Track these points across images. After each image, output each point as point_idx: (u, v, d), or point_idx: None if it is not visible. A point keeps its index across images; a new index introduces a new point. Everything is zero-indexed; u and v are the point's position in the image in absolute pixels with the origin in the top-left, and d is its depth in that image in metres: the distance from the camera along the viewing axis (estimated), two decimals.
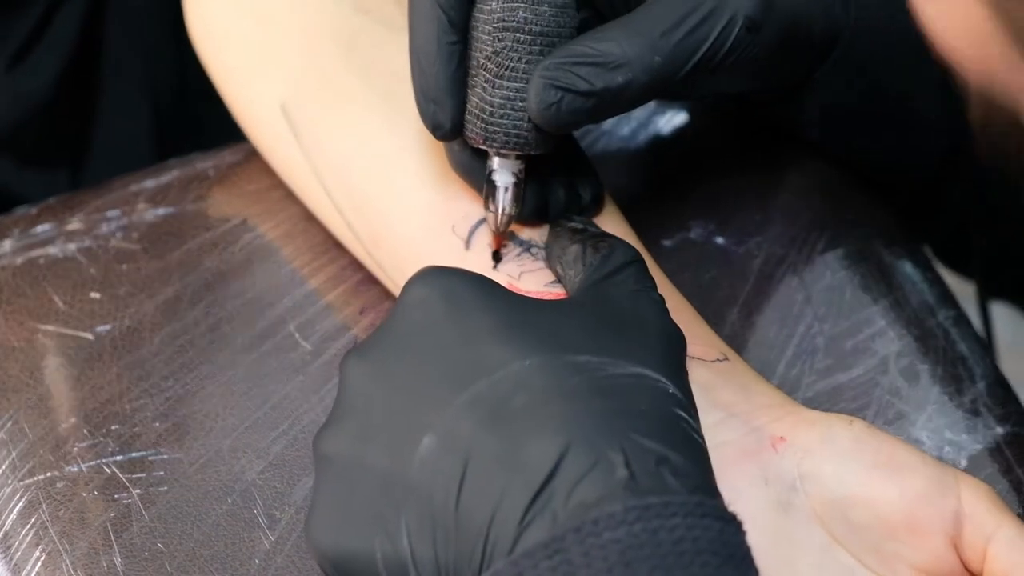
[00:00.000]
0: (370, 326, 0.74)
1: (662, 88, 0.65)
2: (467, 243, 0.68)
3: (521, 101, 0.64)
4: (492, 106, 0.65)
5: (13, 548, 0.67)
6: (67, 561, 0.66)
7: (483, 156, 0.67)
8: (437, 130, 0.66)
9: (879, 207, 0.82)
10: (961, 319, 0.77)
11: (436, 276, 0.59)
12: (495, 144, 0.65)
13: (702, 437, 0.57)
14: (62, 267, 0.76)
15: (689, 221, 0.79)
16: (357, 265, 0.75)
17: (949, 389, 0.74)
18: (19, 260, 0.76)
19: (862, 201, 0.81)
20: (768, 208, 0.80)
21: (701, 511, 0.52)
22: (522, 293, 0.65)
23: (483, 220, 0.68)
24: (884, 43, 0.75)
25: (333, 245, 0.76)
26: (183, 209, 0.79)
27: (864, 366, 0.75)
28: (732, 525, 0.53)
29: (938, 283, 0.79)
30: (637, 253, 0.63)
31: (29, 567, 0.66)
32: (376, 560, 0.56)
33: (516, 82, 0.64)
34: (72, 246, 0.77)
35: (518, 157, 0.66)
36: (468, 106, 0.65)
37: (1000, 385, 0.75)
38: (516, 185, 0.66)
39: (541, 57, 0.64)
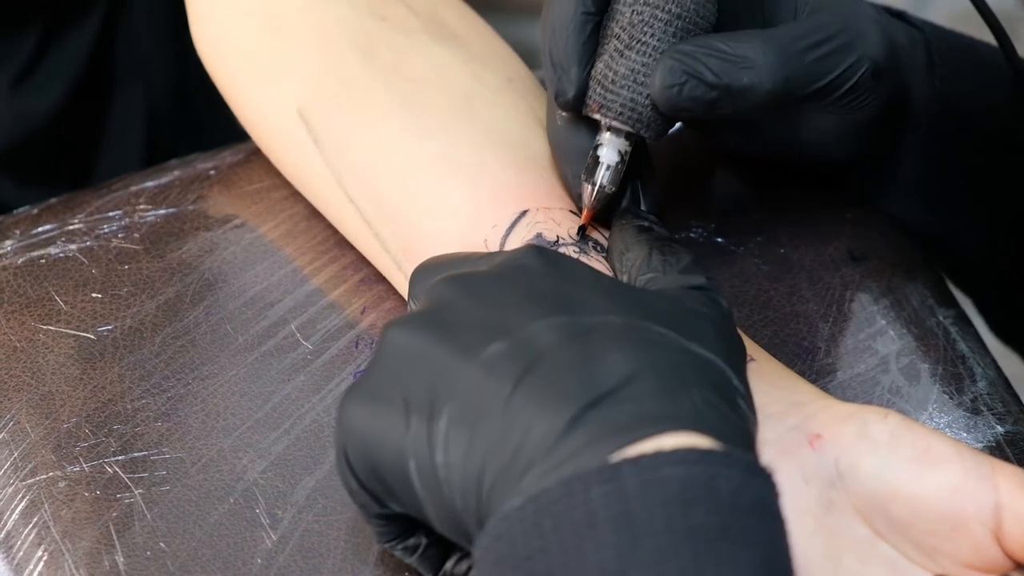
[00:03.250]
0: (371, 326, 0.74)
1: (782, 102, 0.68)
2: None
3: (644, 76, 0.66)
4: (615, 74, 0.66)
5: (15, 548, 0.67)
6: (69, 561, 0.66)
7: (583, 136, 0.68)
8: (560, 97, 0.67)
9: (878, 208, 0.82)
10: (961, 318, 0.77)
11: (541, 247, 0.62)
12: (609, 113, 0.67)
13: (755, 431, 0.58)
14: (63, 267, 0.76)
15: (689, 221, 0.79)
16: (358, 265, 0.75)
17: (949, 388, 0.74)
18: (20, 260, 0.76)
19: (862, 202, 0.82)
20: (767, 208, 0.80)
21: (755, 470, 0.53)
22: None
23: (513, 225, 0.69)
24: (962, 125, 0.77)
25: (334, 244, 0.76)
26: (184, 209, 0.79)
27: (865, 365, 0.75)
28: (775, 490, 0.53)
29: (938, 283, 0.79)
30: (700, 263, 0.64)
31: (31, 567, 0.66)
32: (403, 438, 0.56)
33: (644, 56, 0.66)
34: (73, 246, 0.77)
35: (627, 137, 0.68)
36: (592, 73, 0.67)
37: (1000, 384, 0.75)
38: (619, 165, 0.68)
39: (673, 39, 0.66)
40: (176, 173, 0.80)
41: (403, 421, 0.56)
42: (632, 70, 0.66)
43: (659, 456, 0.52)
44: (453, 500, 0.56)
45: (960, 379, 0.75)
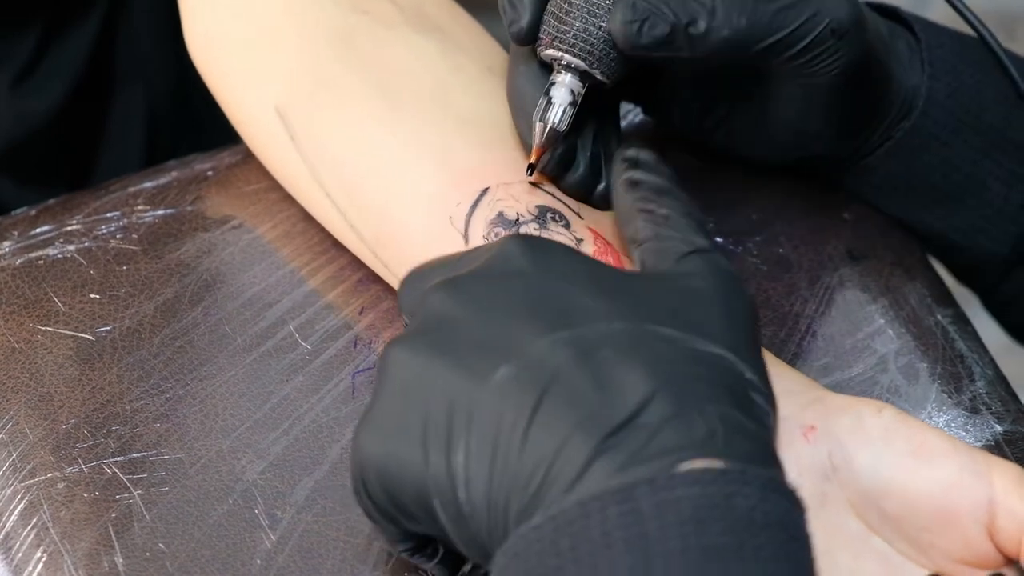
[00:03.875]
0: (369, 326, 0.74)
1: (738, 52, 0.68)
2: (465, 236, 0.69)
3: (599, 8, 0.67)
4: (571, 5, 0.67)
5: (14, 549, 0.67)
6: (68, 562, 0.66)
7: (539, 81, 0.69)
8: (512, 26, 0.68)
9: (876, 208, 0.82)
10: (960, 317, 0.77)
11: (527, 238, 0.61)
12: (562, 46, 0.67)
13: (774, 426, 0.57)
14: (62, 268, 0.76)
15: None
16: (356, 265, 0.76)
17: (948, 387, 0.74)
18: (19, 261, 0.76)
19: (859, 202, 0.82)
20: (766, 208, 0.80)
21: (773, 486, 0.52)
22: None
23: (477, 201, 0.69)
24: (954, 119, 0.77)
25: (332, 245, 0.76)
26: (182, 210, 0.79)
27: (864, 364, 0.75)
28: (799, 507, 0.53)
29: (937, 282, 0.79)
30: (700, 217, 0.63)
31: (30, 568, 0.66)
32: (424, 472, 0.56)
33: None
34: (71, 247, 0.77)
35: (582, 79, 0.68)
36: (548, 7, 0.67)
37: (999, 383, 0.75)
38: (571, 105, 0.68)
39: None
40: (174, 174, 0.80)
41: (421, 455, 0.56)
42: (587, 1, 0.67)
43: (674, 477, 0.51)
44: (480, 532, 0.55)
45: (959, 378, 0.75)
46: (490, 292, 0.58)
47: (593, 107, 0.70)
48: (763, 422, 0.56)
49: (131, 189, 0.79)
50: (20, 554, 0.67)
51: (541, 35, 0.68)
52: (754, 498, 0.52)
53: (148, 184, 0.79)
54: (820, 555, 0.59)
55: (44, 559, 0.67)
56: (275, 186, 0.79)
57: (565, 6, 0.67)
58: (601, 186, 0.70)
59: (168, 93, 1.12)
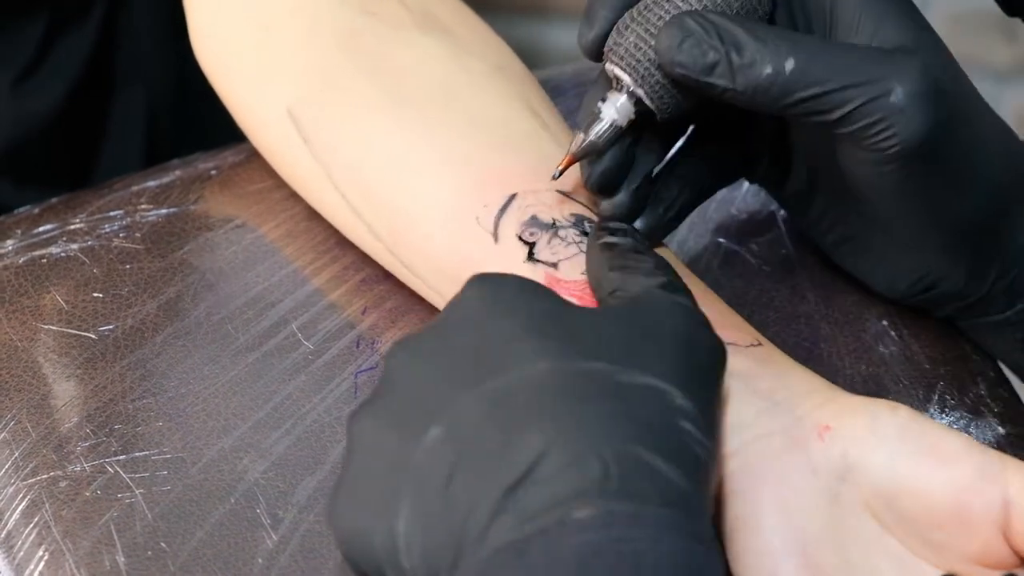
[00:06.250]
0: (372, 326, 0.74)
1: (776, 95, 0.64)
2: (495, 236, 0.68)
3: (654, 28, 0.65)
4: (632, 20, 0.66)
5: (16, 548, 0.67)
6: (70, 561, 0.66)
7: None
8: (580, 38, 0.67)
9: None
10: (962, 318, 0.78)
11: (486, 280, 0.60)
12: (614, 57, 0.66)
13: (708, 454, 0.56)
14: (65, 267, 0.76)
15: (691, 221, 0.79)
16: (359, 265, 0.76)
17: (951, 389, 0.74)
18: (21, 260, 0.76)
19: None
20: (768, 209, 0.80)
21: (671, 525, 0.52)
22: (564, 292, 0.66)
23: (506, 205, 0.69)
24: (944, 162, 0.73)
25: (335, 244, 0.76)
26: (185, 209, 0.79)
27: (866, 365, 0.75)
28: (703, 546, 0.53)
29: None
30: (671, 267, 0.64)
31: (32, 567, 0.66)
32: (374, 544, 0.56)
33: (669, 12, 0.65)
34: (74, 246, 0.77)
35: (636, 105, 0.66)
36: (619, 21, 0.66)
37: (1001, 385, 0.75)
38: (615, 124, 0.67)
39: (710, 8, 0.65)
40: (177, 173, 0.80)
41: (376, 524, 0.57)
42: (649, 21, 0.65)
43: (565, 526, 0.52)
44: None
45: (961, 380, 0.75)
46: (434, 347, 0.59)
47: (653, 149, 0.69)
48: (688, 453, 0.55)
49: (134, 188, 0.79)
50: (22, 553, 0.67)
51: (605, 48, 0.67)
52: (644, 542, 0.51)
53: (151, 183, 0.79)
54: (833, 554, 0.59)
55: (46, 558, 0.66)
56: (278, 185, 0.79)
57: (628, 20, 0.66)
58: (637, 223, 0.69)
59: (168, 93, 1.12)
